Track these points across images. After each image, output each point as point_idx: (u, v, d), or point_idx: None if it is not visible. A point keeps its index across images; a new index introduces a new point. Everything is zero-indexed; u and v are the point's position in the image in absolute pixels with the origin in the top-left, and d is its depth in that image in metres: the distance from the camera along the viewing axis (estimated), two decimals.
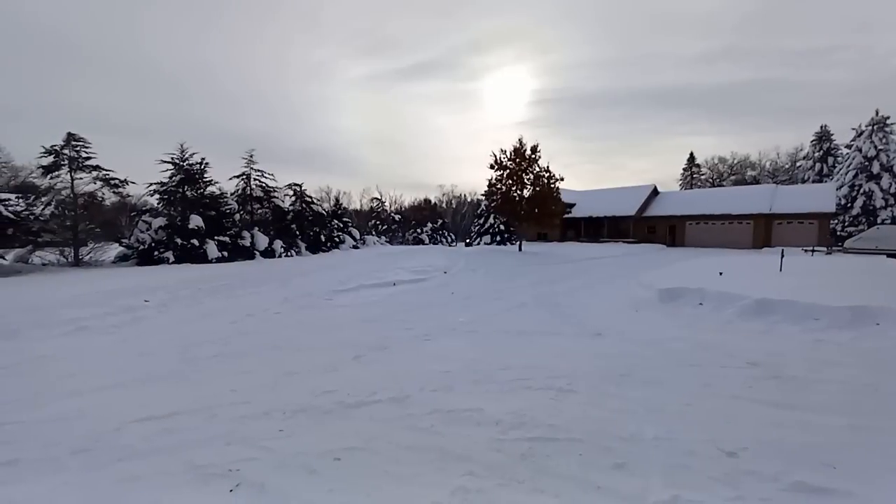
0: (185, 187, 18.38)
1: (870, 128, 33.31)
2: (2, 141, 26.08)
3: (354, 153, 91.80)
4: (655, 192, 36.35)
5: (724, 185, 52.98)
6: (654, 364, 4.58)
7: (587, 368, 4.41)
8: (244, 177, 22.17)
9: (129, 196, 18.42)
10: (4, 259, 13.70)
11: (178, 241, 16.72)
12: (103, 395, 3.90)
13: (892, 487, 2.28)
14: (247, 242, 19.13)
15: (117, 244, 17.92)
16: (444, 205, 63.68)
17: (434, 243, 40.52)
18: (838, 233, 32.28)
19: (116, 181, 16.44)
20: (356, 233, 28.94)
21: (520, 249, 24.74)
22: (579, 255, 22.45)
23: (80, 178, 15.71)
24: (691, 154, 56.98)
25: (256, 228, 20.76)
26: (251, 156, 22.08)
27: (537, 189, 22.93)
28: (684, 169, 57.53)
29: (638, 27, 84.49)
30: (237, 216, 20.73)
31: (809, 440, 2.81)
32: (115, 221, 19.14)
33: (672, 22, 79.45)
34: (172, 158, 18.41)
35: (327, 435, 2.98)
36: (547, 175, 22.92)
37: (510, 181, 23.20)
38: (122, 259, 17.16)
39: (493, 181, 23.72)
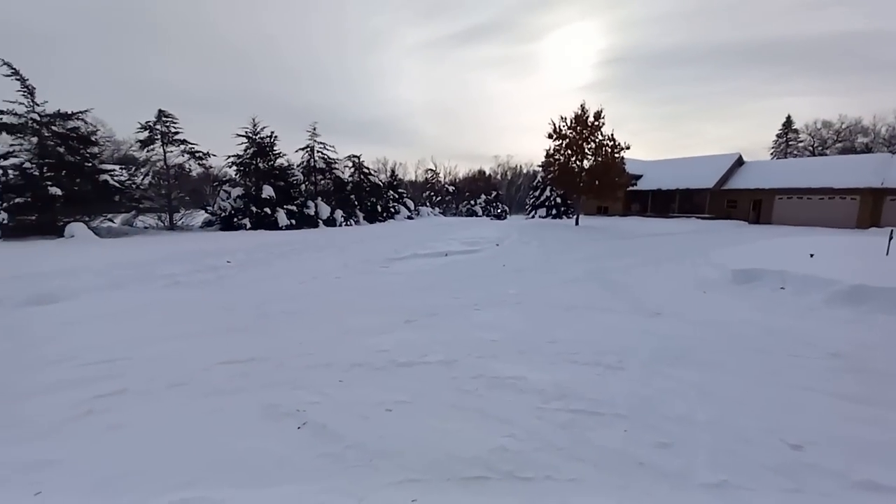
0: (258, 159, 19.86)
1: None
2: (103, 117, 29.79)
3: (410, 124, 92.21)
4: (740, 161, 32.38)
5: (826, 154, 45.71)
6: (714, 347, 4.30)
7: (639, 347, 4.26)
8: (308, 149, 23.38)
9: (211, 167, 20.35)
10: (113, 222, 16.02)
11: (253, 209, 18.32)
12: (193, 340, 4.55)
13: None
14: (311, 211, 20.43)
15: (203, 211, 20.07)
16: (498, 176, 62.39)
17: (487, 215, 40.17)
18: None
19: (200, 154, 18.21)
20: (411, 203, 29.57)
21: (576, 223, 23.73)
22: (643, 230, 21.02)
23: (171, 151, 17.63)
24: (788, 118, 49.52)
25: (319, 198, 22.03)
26: (314, 129, 23.13)
27: (599, 159, 21.52)
28: (778, 135, 50.36)
29: None
30: (302, 187, 22.09)
31: (887, 438, 2.53)
32: (200, 190, 21.36)
33: None
34: (246, 132, 19.87)
35: (379, 388, 3.26)
36: (610, 144, 21.35)
37: (569, 151, 21.98)
38: (207, 224, 19.24)
39: (551, 151, 22.64)
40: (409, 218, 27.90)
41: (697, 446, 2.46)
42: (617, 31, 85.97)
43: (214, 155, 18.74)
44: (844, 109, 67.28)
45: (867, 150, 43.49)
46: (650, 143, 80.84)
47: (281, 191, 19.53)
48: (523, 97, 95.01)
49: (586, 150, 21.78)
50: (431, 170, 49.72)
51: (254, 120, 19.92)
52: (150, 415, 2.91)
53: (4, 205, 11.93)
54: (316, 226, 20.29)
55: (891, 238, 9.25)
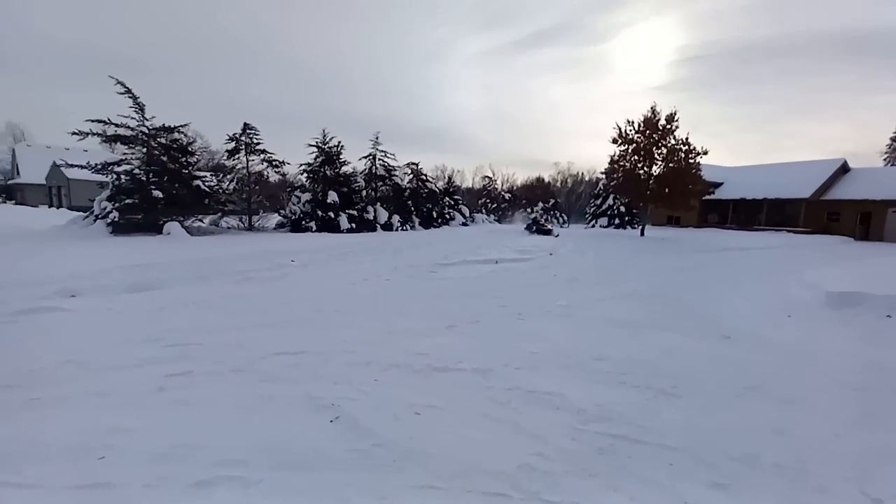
0: (326, 167, 21.30)
1: None
2: (202, 130, 33.93)
3: (468, 131, 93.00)
4: (844, 168, 28.12)
5: None
6: (797, 380, 3.73)
7: (703, 373, 3.84)
8: (370, 157, 24.59)
9: (286, 174, 22.23)
10: (202, 222, 18.10)
11: (319, 213, 19.64)
12: (256, 330, 4.95)
13: None
14: (370, 216, 21.41)
15: (276, 214, 21.95)
16: (558, 183, 60.46)
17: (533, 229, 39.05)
18: None
19: (277, 162, 19.98)
20: (466, 210, 29.74)
21: (642, 234, 22.16)
22: (721, 243, 19.02)
23: (253, 160, 19.55)
24: None
25: (378, 204, 23.01)
26: (377, 138, 24.27)
27: (671, 165, 19.93)
28: (892, 138, 42.93)
29: None
30: (364, 193, 23.26)
31: None
32: (276, 195, 23.41)
33: None
34: (316, 142, 21.44)
35: (413, 390, 3.28)
36: (685, 149, 19.71)
37: (636, 157, 20.65)
38: (279, 226, 21.00)
39: (616, 157, 21.43)
40: (464, 224, 28.05)
41: (760, 491, 2.14)
42: (695, 25, 79.59)
43: (288, 163, 20.44)
44: None
45: None
46: (733, 146, 73.08)
47: (344, 196, 20.72)
48: (588, 101, 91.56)
49: (656, 156, 20.32)
50: (488, 177, 49.64)
51: (324, 131, 21.44)
52: (212, 395, 3.20)
53: (116, 205, 14.04)
54: (374, 230, 21.20)
55: None
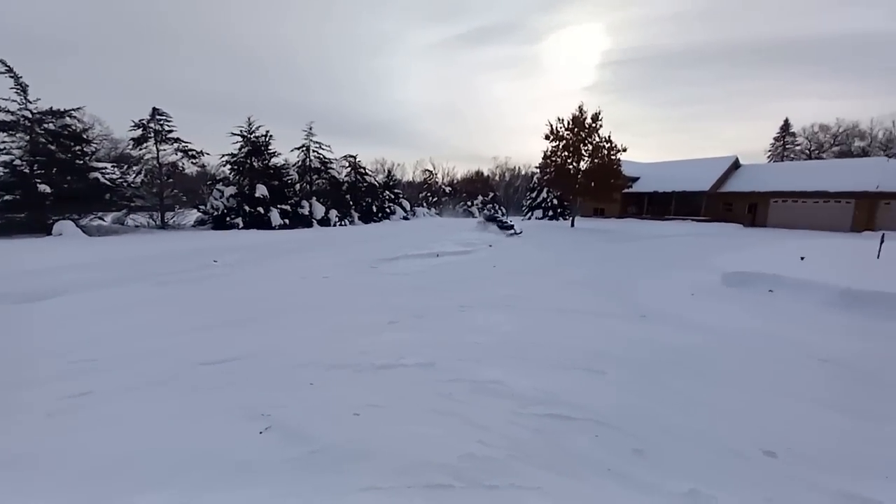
0: (252, 158, 19.77)
1: None
2: (103, 116, 29.64)
3: (415, 125, 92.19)
4: (737, 164, 32.44)
5: (823, 158, 45.87)
6: (703, 352, 4.25)
7: (625, 351, 4.20)
8: (304, 149, 23.31)
9: (205, 166, 20.26)
10: (104, 220, 15.89)
11: (247, 208, 18.22)
12: (177, 338, 4.48)
13: None
14: (305, 211, 20.35)
15: (195, 210, 19.97)
16: (496, 177, 62.39)
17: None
18: None
19: (194, 152, 18.12)
20: (407, 204, 29.52)
21: (572, 225, 23.70)
22: (639, 232, 21.00)
23: (164, 150, 17.53)
24: (786, 121, 49.63)
25: (314, 198, 21.95)
26: (310, 128, 23.07)
27: (596, 161, 21.48)
28: (776, 138, 50.52)
29: None
30: (297, 186, 22.02)
31: (870, 448, 2.48)
32: (195, 189, 21.27)
33: None
34: (241, 131, 19.79)
35: (355, 391, 3.18)
36: (608, 146, 21.33)
37: (566, 153, 21.94)
38: (199, 223, 19.13)
39: (548, 152, 22.58)
40: (405, 218, 27.84)
41: (672, 453, 2.40)
42: (625, 30, 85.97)
43: (208, 154, 18.66)
44: (847, 113, 67.29)
45: (864, 153, 43.67)
46: (657, 145, 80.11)
47: (275, 190, 19.45)
48: (527, 98, 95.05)
49: (583, 152, 21.76)
50: (429, 170, 49.72)
51: (249, 119, 19.85)
52: (127, 413, 2.85)
53: None
54: (310, 225, 20.21)
55: (882, 242, 9.23)
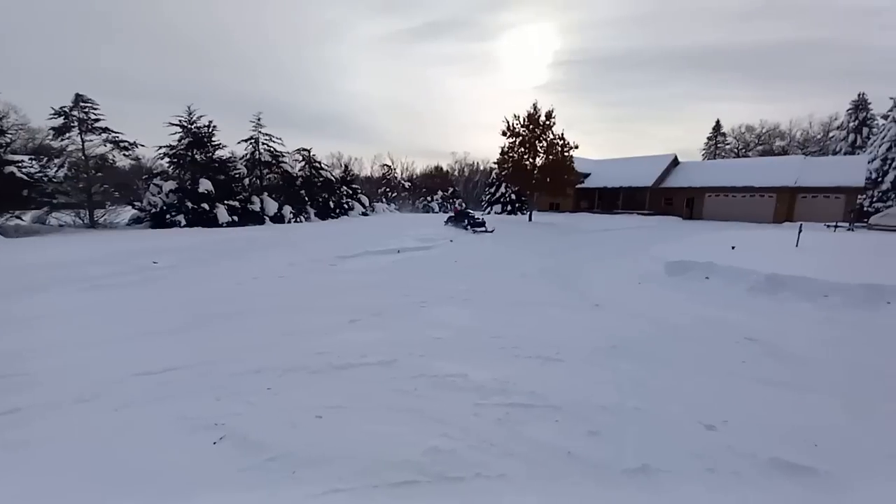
0: (194, 151, 18.41)
1: None
2: (19, 103, 26.25)
3: (371, 119, 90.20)
4: (676, 162, 34.92)
5: (749, 156, 50.56)
6: (649, 337, 4.54)
7: (580, 339, 4.39)
8: (252, 141, 22.05)
9: (139, 158, 18.59)
10: (22, 220, 14.15)
11: (189, 204, 16.96)
12: (110, 348, 4.08)
13: (876, 472, 2.24)
14: (256, 207, 19.31)
15: (130, 207, 18.30)
16: (455, 173, 62.73)
17: (444, 212, 40.29)
18: (865, 208, 30.76)
19: (126, 143, 16.55)
20: (365, 200, 28.91)
21: (530, 219, 24.40)
22: (591, 226, 22.04)
23: (91, 141, 15.85)
24: (717, 122, 54.06)
25: (266, 194, 20.87)
26: (259, 119, 21.86)
27: (550, 157, 22.22)
28: (709, 138, 54.88)
29: None
30: (246, 181, 20.83)
31: (797, 419, 2.77)
32: (129, 184, 19.47)
33: None
34: (180, 121, 18.35)
35: (313, 393, 3.07)
36: (561, 143, 22.12)
37: (522, 149, 22.51)
38: (135, 221, 17.57)
39: (506, 149, 23.05)
40: (364, 214, 27.25)
41: (625, 433, 2.55)
42: (571, 32, 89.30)
43: (143, 145, 17.13)
44: (769, 115, 74.53)
45: (784, 152, 48.65)
46: (605, 143, 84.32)
47: (221, 185, 18.27)
48: (482, 95, 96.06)
49: (538, 149, 22.42)
50: (387, 165, 49.00)
51: (189, 108, 18.43)
52: (55, 432, 2.56)
53: None
54: (262, 223, 19.21)
55: (800, 231, 10.36)
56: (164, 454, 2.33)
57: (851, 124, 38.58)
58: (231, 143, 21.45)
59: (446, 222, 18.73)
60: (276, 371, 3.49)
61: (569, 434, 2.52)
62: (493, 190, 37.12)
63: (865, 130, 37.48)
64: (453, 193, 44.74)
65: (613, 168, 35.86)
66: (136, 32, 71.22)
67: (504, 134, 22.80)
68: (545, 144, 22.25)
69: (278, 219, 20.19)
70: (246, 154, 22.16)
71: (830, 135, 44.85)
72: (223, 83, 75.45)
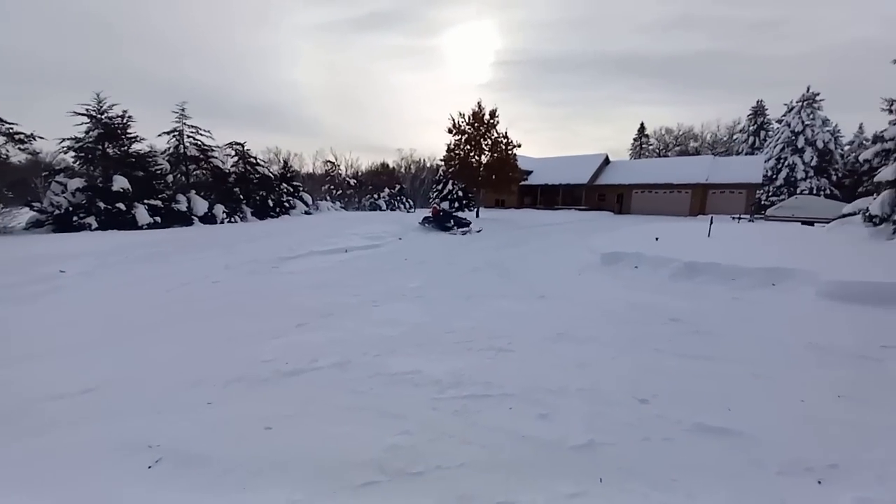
0: (106, 144, 16.36)
1: (799, 104, 35.96)
2: None
3: (311, 112, 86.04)
4: (607, 161, 37.64)
5: (668, 156, 55.92)
6: (589, 323, 4.88)
7: (528, 329, 4.61)
8: (176, 134, 20.08)
9: (38, 153, 16.12)
10: None
11: (102, 205, 15.07)
12: (14, 369, 3.53)
13: (778, 427, 2.61)
14: (183, 207, 17.66)
15: (28, 209, 15.83)
16: (402, 170, 62.17)
17: (392, 209, 39.81)
18: (763, 202, 35.47)
19: (22, 136, 14.25)
20: (308, 198, 27.62)
21: (477, 215, 24.94)
22: (534, 221, 23.05)
23: None
24: (641, 124, 59.07)
25: (194, 192, 19.13)
26: (183, 110, 19.94)
27: (495, 155, 22.86)
28: (634, 139, 59.76)
29: None
30: (170, 178, 18.94)
31: (714, 387, 3.15)
32: (26, 182, 16.85)
33: None
34: (88, 111, 16.20)
35: (261, 403, 2.91)
36: (505, 141, 22.84)
37: (468, 146, 22.91)
38: (35, 225, 15.23)
39: (452, 146, 23.31)
40: (307, 213, 26.04)
41: (572, 413, 2.74)
42: (512, 32, 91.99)
43: (42, 137, 14.82)
44: (686, 118, 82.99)
45: (697, 152, 54.44)
46: (546, 141, 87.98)
47: (140, 182, 16.44)
48: (427, 91, 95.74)
49: (484, 147, 22.95)
50: (331, 161, 47.22)
51: (98, 95, 16.31)
52: None
53: None
54: (190, 223, 17.61)
55: (710, 223, 11.70)
56: (91, 485, 2.09)
57: (751, 128, 44.18)
58: (153, 135, 19.22)
59: (422, 224, 17.20)
60: (217, 383, 3.26)
61: (522, 419, 2.65)
62: (440, 187, 37.36)
63: (763, 133, 43.14)
64: (400, 190, 44.32)
65: (553, 166, 37.79)
66: (29, 1, 61.30)
67: (450, 131, 23.04)
68: (490, 142, 22.84)
69: (209, 219, 18.63)
70: (169, 148, 20.13)
71: (734, 137, 50.97)
72: (142, 68, 67.78)
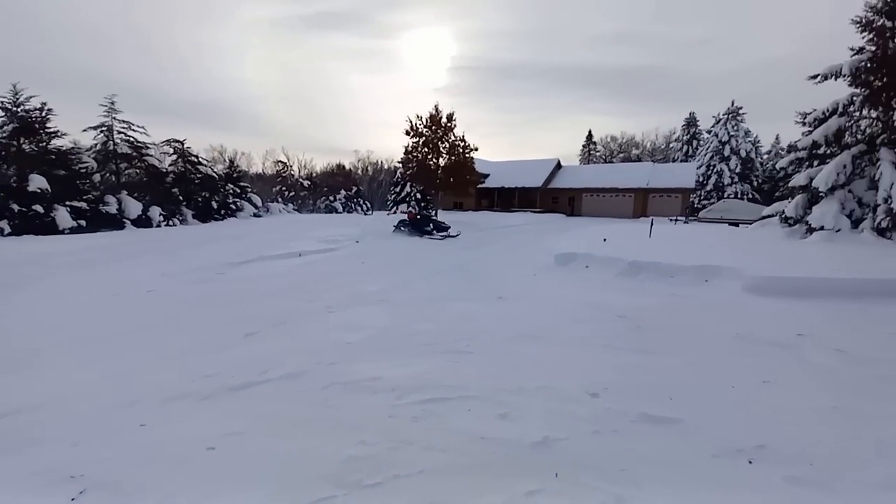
0: (21, 139, 14.56)
1: (725, 116, 39.81)
2: None
3: (260, 110, 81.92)
4: (559, 165, 39.31)
5: (613, 162, 59.52)
6: (544, 322, 5.04)
7: (488, 330, 4.67)
8: (104, 129, 18.29)
9: None
10: None
11: (15, 207, 13.36)
12: None
13: (712, 413, 2.83)
14: (112, 209, 16.09)
15: None
16: (359, 171, 60.92)
17: (349, 212, 38.87)
18: (696, 205, 38.75)
19: None
20: (257, 199, 26.26)
21: (436, 217, 25.01)
22: (491, 223, 23.51)
23: None
24: (590, 132, 62.50)
25: (125, 193, 17.51)
26: (112, 103, 18.22)
27: (453, 158, 23.07)
28: (583, 145, 62.98)
29: (547, 2, 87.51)
30: (97, 177, 17.21)
31: (656, 378, 3.37)
32: None
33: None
34: (2, 103, 14.34)
35: (204, 422, 2.70)
36: (462, 144, 23.12)
37: (426, 149, 22.94)
38: None
39: (410, 148, 23.24)
40: (257, 215, 24.72)
41: (529, 411, 2.80)
42: (469, 40, 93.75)
43: None
44: (628, 127, 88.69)
45: (638, 159, 58.37)
46: (501, 145, 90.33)
47: (62, 182, 14.78)
48: (385, 93, 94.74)
49: (441, 149, 23.08)
50: (282, 162, 45.11)
51: (14, 87, 14.49)
52: None
53: None
54: (121, 227, 16.08)
55: (651, 225, 12.57)
56: None
57: (685, 137, 48.16)
58: (73, 130, 17.41)
59: (397, 228, 16.30)
60: (153, 402, 2.98)
61: (482, 420, 2.67)
62: (398, 189, 37.03)
63: (695, 143, 47.12)
64: (357, 193, 43.36)
65: (509, 170, 38.82)
66: None
67: (408, 133, 22.96)
68: (448, 145, 23.02)
69: (144, 222, 17.12)
70: (96, 144, 18.27)
71: (671, 145, 55.29)
72: (68, 59, 61.03)
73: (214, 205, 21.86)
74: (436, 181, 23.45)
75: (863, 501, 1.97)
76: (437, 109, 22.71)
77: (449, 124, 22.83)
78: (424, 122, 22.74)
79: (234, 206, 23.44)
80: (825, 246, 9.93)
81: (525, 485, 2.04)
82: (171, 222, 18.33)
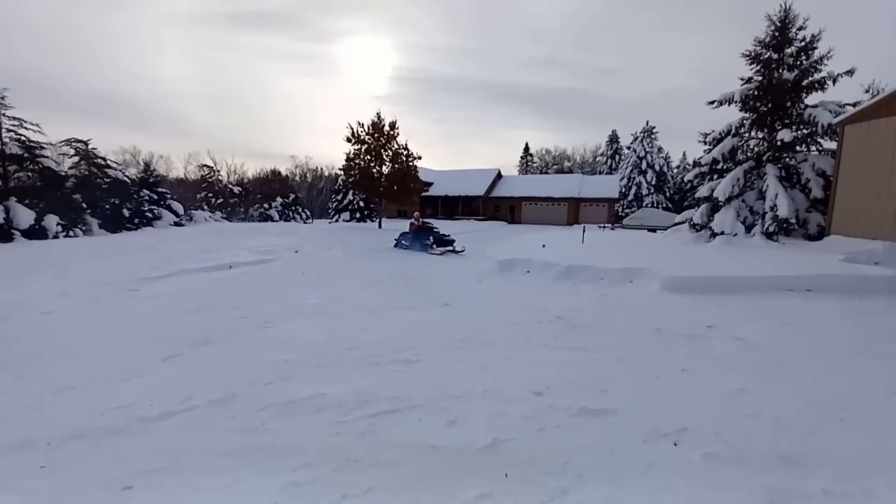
0: None
1: (642, 134, 44.39)
2: None
3: (180, 109, 75.11)
4: (499, 175, 40.92)
5: (548, 173, 63.34)
6: (489, 327, 5.15)
7: (434, 338, 4.65)
8: None
9: None
10: None
11: None
12: None
13: (641, 402, 3.08)
14: None
15: None
16: (297, 178, 58.23)
17: (286, 220, 36.84)
18: (619, 213, 42.44)
19: None
20: (179, 207, 23.90)
21: (380, 227, 24.62)
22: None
23: None
24: (526, 144, 66.08)
25: (14, 199, 14.99)
26: (2, 97, 15.57)
27: (396, 166, 22.95)
28: (521, 157, 66.33)
29: (483, 23, 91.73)
30: None
31: (592, 374, 3.59)
32: None
33: (510, 22, 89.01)
34: None
35: (117, 460, 2.36)
36: (406, 153, 23.11)
37: (369, 157, 22.58)
38: None
39: (352, 155, 22.71)
40: (178, 224, 22.46)
41: (477, 415, 2.83)
42: (407, 52, 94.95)
43: None
44: (559, 142, 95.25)
45: (570, 171, 62.70)
46: (440, 155, 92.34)
47: None
48: (322, 98, 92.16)
49: (384, 157, 22.86)
50: (208, 166, 41.57)
51: None
52: None
53: None
54: (9, 239, 13.72)
55: (584, 231, 13.51)
56: None
57: (609, 152, 52.78)
58: None
59: (398, 242, 14.33)
60: (54, 440, 2.54)
61: (430, 429, 2.64)
62: (340, 197, 35.96)
63: (618, 157, 51.78)
64: (295, 200, 41.31)
65: (452, 178, 39.58)
66: None
67: (349, 140, 22.45)
68: (391, 153, 22.86)
69: (38, 233, 14.74)
70: None
71: (597, 159, 60.18)
72: None
73: (126, 213, 19.48)
74: (379, 189, 23.14)
75: (767, 472, 2.25)
76: (379, 117, 22.52)
77: (392, 132, 22.72)
78: (367, 130, 22.41)
79: (150, 215, 21.08)
80: (725, 248, 11.39)
81: (476, 489, 2.05)
82: (72, 233, 15.97)
